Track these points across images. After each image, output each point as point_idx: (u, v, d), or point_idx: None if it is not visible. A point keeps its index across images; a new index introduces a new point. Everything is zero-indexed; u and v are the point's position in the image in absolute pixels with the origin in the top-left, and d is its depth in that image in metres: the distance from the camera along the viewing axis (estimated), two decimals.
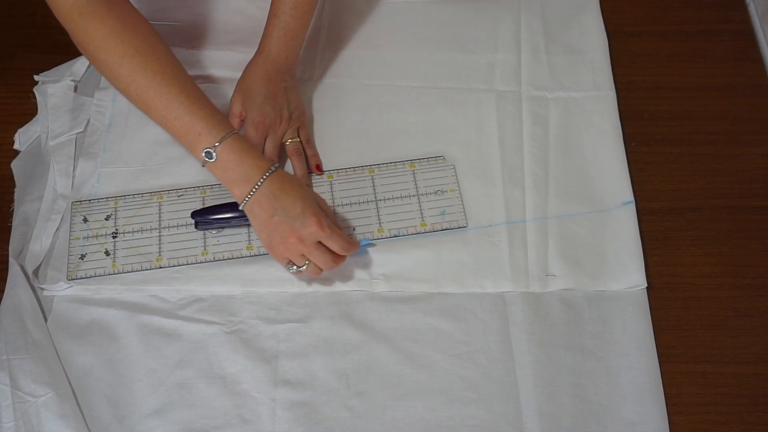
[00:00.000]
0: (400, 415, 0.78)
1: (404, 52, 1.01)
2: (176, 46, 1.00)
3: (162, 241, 0.87)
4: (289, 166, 0.92)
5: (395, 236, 0.87)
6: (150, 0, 1.04)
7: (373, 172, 0.92)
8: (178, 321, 0.83)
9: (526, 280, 0.85)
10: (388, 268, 0.86)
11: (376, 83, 0.99)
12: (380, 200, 0.90)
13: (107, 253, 0.86)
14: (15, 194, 0.91)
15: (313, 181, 0.91)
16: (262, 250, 0.86)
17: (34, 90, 0.97)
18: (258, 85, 0.89)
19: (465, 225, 0.88)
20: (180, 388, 0.80)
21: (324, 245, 0.80)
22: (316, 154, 0.93)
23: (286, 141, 0.91)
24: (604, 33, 1.03)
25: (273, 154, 0.89)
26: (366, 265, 0.86)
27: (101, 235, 0.87)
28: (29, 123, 0.95)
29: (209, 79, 0.98)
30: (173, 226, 0.88)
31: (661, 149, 0.95)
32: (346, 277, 0.85)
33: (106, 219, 0.88)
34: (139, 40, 0.80)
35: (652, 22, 1.05)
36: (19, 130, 0.95)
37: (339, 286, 0.85)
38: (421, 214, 0.89)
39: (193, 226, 0.88)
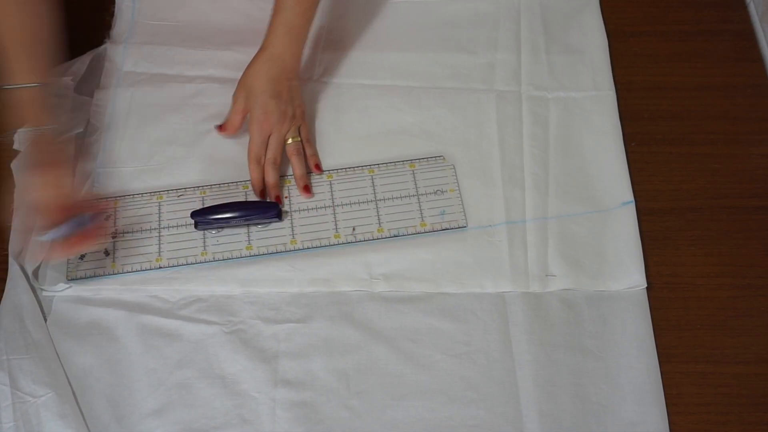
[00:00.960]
0: (400, 415, 0.78)
1: (404, 52, 1.01)
2: (176, 46, 1.01)
3: (162, 242, 0.87)
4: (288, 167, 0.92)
5: (395, 236, 0.87)
6: (150, 0, 1.04)
7: (373, 171, 0.92)
8: (177, 321, 0.83)
9: (526, 280, 0.85)
10: (388, 268, 0.86)
11: (376, 83, 0.99)
12: (380, 200, 0.90)
13: (107, 253, 0.86)
14: (15, 194, 0.91)
15: (312, 180, 0.91)
16: (262, 251, 0.86)
17: None
18: (262, 83, 0.89)
19: (465, 225, 0.88)
20: (180, 388, 0.80)
21: None
22: (315, 154, 0.92)
23: (288, 140, 0.91)
24: (604, 33, 1.03)
25: (276, 153, 0.89)
26: (366, 265, 0.86)
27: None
28: None
29: (209, 79, 0.98)
30: (173, 227, 0.88)
31: (661, 149, 0.95)
32: (346, 277, 0.85)
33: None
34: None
35: (652, 22, 1.05)
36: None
37: (339, 286, 0.85)
38: (421, 214, 0.89)
39: (193, 226, 0.88)
